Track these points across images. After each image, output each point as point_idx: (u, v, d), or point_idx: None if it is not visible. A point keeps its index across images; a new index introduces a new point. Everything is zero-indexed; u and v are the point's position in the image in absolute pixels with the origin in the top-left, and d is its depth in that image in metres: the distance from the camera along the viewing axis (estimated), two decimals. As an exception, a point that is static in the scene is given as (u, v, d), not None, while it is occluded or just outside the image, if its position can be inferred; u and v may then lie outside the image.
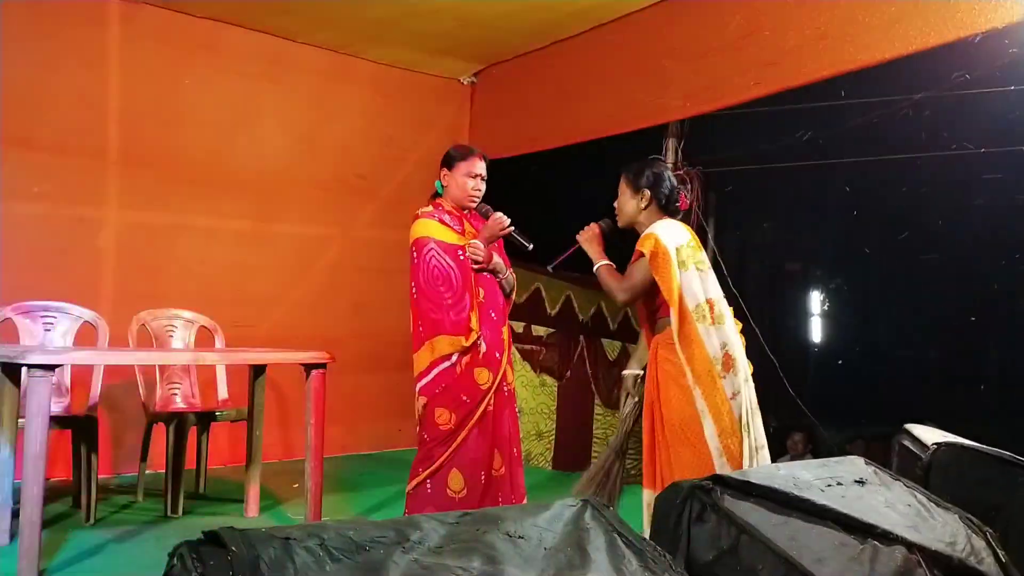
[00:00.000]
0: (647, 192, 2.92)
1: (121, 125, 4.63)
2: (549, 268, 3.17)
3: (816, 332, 9.72)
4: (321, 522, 1.39)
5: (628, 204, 2.97)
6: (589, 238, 3.00)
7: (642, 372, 3.12)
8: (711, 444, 2.72)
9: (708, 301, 2.83)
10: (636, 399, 3.15)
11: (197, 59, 4.89)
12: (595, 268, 2.94)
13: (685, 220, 3.07)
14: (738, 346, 2.88)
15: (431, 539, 1.37)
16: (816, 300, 9.84)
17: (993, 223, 7.01)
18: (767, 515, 1.83)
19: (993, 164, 5.58)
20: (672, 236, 2.82)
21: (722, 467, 2.68)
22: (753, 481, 1.90)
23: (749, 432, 2.78)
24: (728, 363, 2.80)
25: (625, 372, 3.35)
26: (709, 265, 2.96)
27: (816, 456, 5.70)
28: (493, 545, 1.39)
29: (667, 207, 2.95)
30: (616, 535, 1.53)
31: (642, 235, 2.87)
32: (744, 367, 2.86)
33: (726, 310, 2.91)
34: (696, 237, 2.96)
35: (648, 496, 2.87)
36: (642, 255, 2.80)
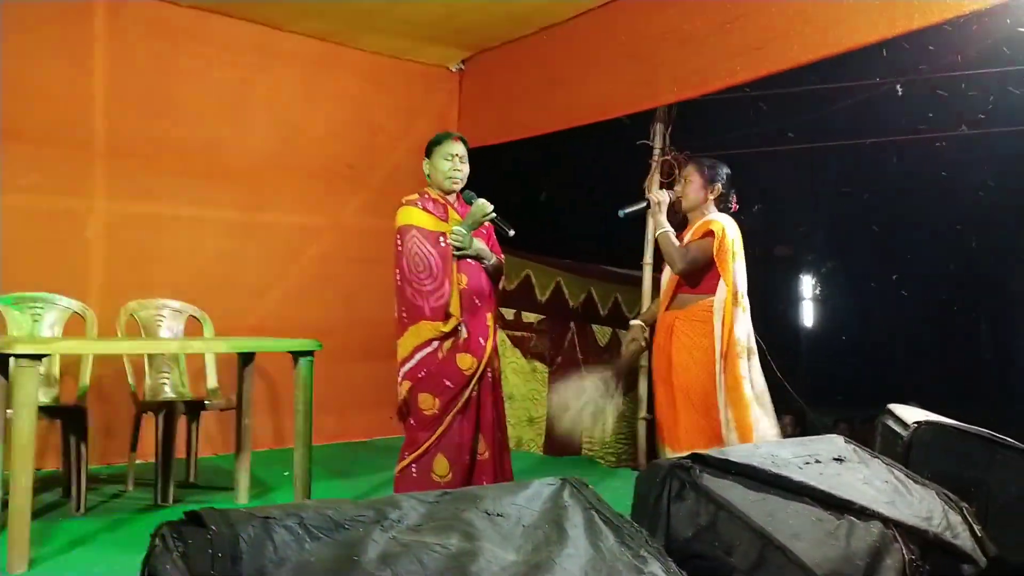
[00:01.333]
0: (718, 187, 3.28)
1: (108, 115, 4.61)
2: (620, 214, 3.30)
3: (804, 316, 9.78)
4: (301, 502, 1.41)
5: (698, 193, 3.28)
6: (660, 202, 3.26)
7: (648, 327, 3.45)
8: (723, 415, 3.02)
9: (743, 291, 3.17)
10: (642, 344, 3.43)
11: (184, 49, 4.87)
12: (658, 232, 3.22)
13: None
14: (752, 335, 3.20)
15: (410, 518, 1.39)
16: (804, 284, 9.90)
17: (980, 206, 7.05)
18: (745, 492, 1.86)
19: (980, 146, 5.61)
20: (734, 229, 3.19)
21: (728, 436, 3.03)
22: (732, 459, 1.93)
23: (752, 409, 3.08)
24: (750, 348, 3.14)
25: (635, 322, 3.53)
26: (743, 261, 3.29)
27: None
28: (471, 523, 1.41)
29: (724, 204, 3.33)
30: (594, 512, 1.55)
31: (709, 219, 3.19)
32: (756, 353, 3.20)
33: (747, 302, 3.23)
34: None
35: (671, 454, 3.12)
36: (710, 235, 3.11)
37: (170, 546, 1.28)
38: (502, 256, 3.32)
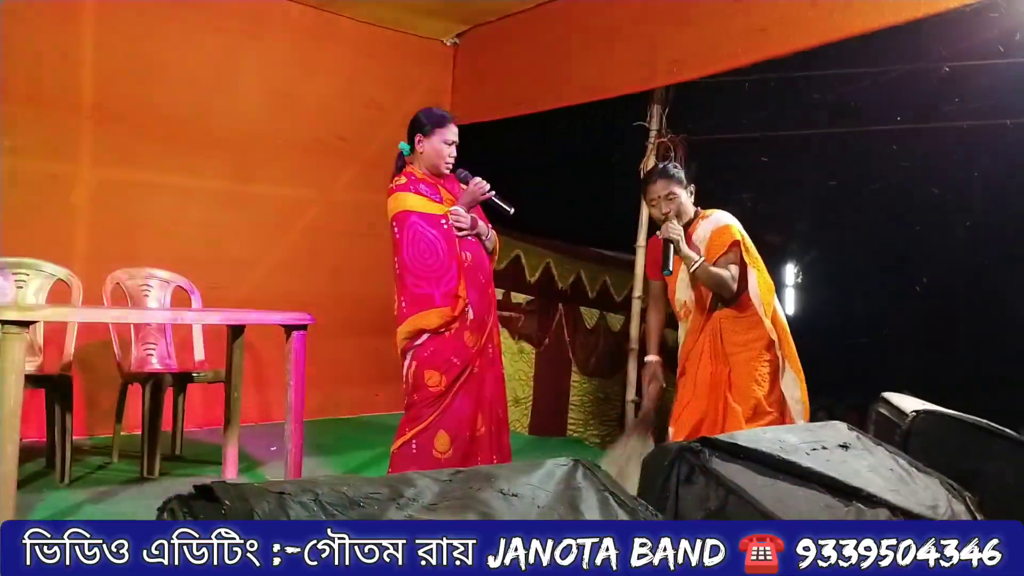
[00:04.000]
0: (693, 185, 3.23)
1: (96, 79, 4.50)
2: (665, 273, 3.10)
3: (795, 303, 9.82)
4: (314, 478, 1.37)
5: (687, 200, 3.19)
6: (679, 239, 3.04)
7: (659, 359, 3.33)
8: (788, 394, 3.02)
9: None
10: (663, 384, 3.30)
11: (175, 12, 4.75)
12: (695, 268, 3.01)
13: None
14: None
15: (425, 496, 1.36)
16: (796, 271, 9.93)
17: (972, 196, 7.09)
18: (754, 477, 1.84)
19: (975, 138, 5.62)
20: (738, 223, 3.14)
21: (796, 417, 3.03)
22: (740, 443, 1.91)
23: None
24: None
25: (651, 358, 3.34)
26: None
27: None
28: (488, 503, 1.38)
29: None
30: (608, 494, 1.53)
31: (722, 225, 3.10)
32: None
33: None
34: None
35: None
36: (736, 244, 3.05)
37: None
38: (493, 229, 3.28)
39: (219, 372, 3.92)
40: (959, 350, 8.43)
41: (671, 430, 3.23)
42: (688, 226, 3.14)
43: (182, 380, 3.94)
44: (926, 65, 4.43)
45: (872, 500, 1.88)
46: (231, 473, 3.80)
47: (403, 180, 3.10)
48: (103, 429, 4.30)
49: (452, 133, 3.13)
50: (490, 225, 3.25)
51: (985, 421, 2.63)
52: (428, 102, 4.60)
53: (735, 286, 3.06)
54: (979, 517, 2.05)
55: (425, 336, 2.99)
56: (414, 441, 2.97)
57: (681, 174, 3.22)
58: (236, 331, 3.81)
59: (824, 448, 2.06)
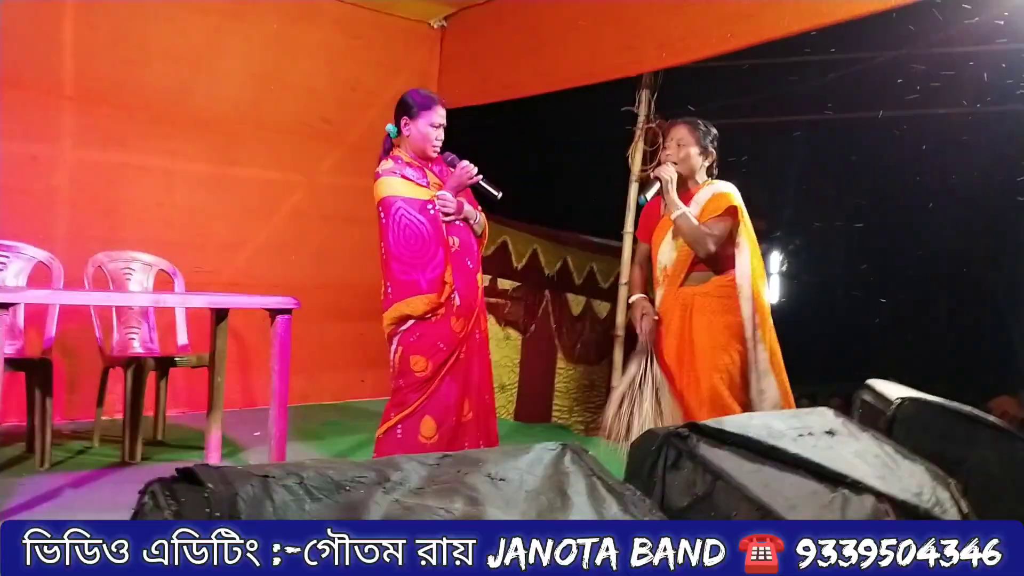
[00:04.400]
0: (713, 154, 3.11)
1: (77, 59, 4.43)
2: (641, 200, 3.16)
3: (778, 290, 9.87)
4: (300, 461, 1.35)
5: (695, 158, 3.07)
6: (671, 179, 2.99)
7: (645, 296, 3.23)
8: (755, 387, 2.93)
9: None
10: (655, 317, 3.13)
11: (156, -8, 4.68)
12: (676, 214, 2.95)
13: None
14: None
15: (412, 480, 1.35)
16: (781, 258, 9.97)
17: (956, 184, 7.13)
18: (741, 462, 1.84)
19: (959, 125, 5.65)
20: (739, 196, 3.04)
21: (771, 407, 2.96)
22: (727, 429, 1.91)
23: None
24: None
25: (635, 298, 3.25)
26: None
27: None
28: (475, 487, 1.37)
29: (712, 168, 3.16)
30: (596, 479, 1.52)
31: (723, 192, 3.00)
32: None
33: None
34: None
35: None
36: (731, 213, 2.95)
37: (161, 504, 1.22)
38: (482, 213, 3.25)
39: (202, 356, 3.88)
40: (939, 336, 8.51)
41: None
42: (690, 188, 3.08)
43: (164, 364, 3.91)
44: (914, 51, 4.45)
45: (858, 487, 1.88)
46: (214, 458, 3.76)
47: (389, 164, 3.06)
48: (84, 413, 4.25)
49: (439, 116, 3.08)
50: (479, 209, 3.22)
51: (969, 408, 2.64)
52: (414, 85, 4.55)
53: (713, 247, 2.95)
54: (963, 504, 2.06)
55: (411, 321, 2.96)
56: (399, 426, 2.95)
57: (705, 135, 3.11)
58: (220, 315, 3.77)
59: (811, 434, 2.06)
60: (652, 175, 3.09)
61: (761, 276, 3.00)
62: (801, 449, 1.94)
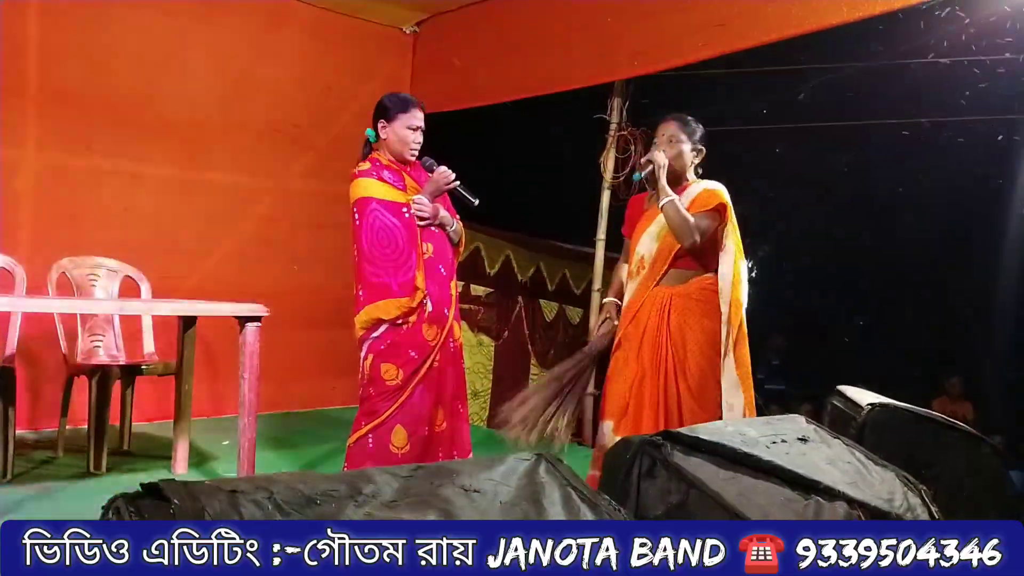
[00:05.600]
0: (703, 152, 3.03)
1: (41, 61, 4.33)
2: (634, 178, 3.13)
3: (750, 296, 9.96)
4: (269, 475, 1.33)
5: (687, 155, 2.99)
6: (662, 165, 2.91)
7: (616, 302, 3.13)
8: (725, 400, 2.80)
9: None
10: (615, 324, 3.07)
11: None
12: (664, 201, 2.86)
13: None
14: None
15: (384, 493, 1.32)
16: (751, 264, 10.07)
17: (930, 193, 7.25)
18: (716, 470, 1.84)
19: (930, 134, 5.74)
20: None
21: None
22: (702, 437, 1.91)
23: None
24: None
25: (608, 300, 3.20)
26: None
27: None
28: (449, 499, 1.35)
29: (701, 168, 3.07)
30: (571, 489, 1.51)
31: (711, 189, 2.93)
32: None
33: None
34: None
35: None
36: (719, 209, 2.87)
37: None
38: (458, 220, 3.22)
39: (169, 364, 3.82)
40: (907, 341, 8.64)
41: (607, 424, 2.94)
42: (681, 185, 2.98)
43: (131, 372, 3.83)
44: (886, 62, 4.51)
45: (831, 493, 1.89)
46: (181, 468, 3.71)
47: (366, 166, 3.03)
48: (48, 422, 4.16)
49: (416, 118, 3.05)
50: (457, 217, 3.19)
51: (938, 414, 2.69)
52: (386, 90, 4.49)
53: (698, 238, 2.85)
54: (933, 509, 2.08)
55: (383, 328, 2.92)
56: (370, 436, 2.91)
57: (696, 132, 3.02)
58: (187, 322, 3.72)
59: (784, 441, 2.07)
60: (643, 160, 2.99)
61: (741, 283, 2.90)
62: (774, 456, 1.95)
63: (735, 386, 2.82)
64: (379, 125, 3.07)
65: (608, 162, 4.79)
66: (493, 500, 1.41)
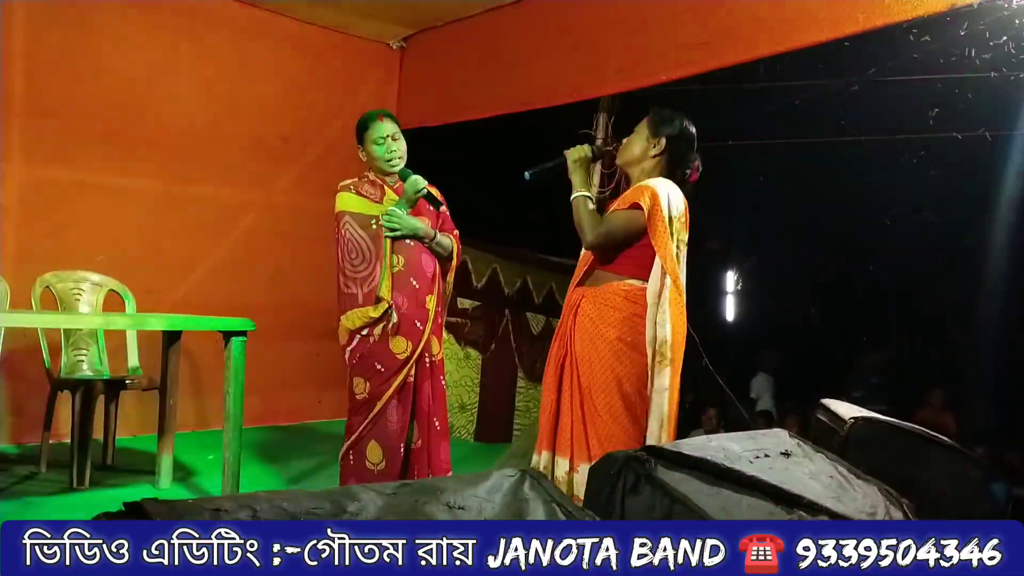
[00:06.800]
0: (663, 141, 2.64)
1: (27, 74, 4.32)
2: (526, 175, 2.77)
3: (729, 310, 10.01)
4: (252, 493, 1.33)
5: (638, 145, 2.68)
6: (579, 159, 2.70)
7: None
8: (652, 428, 2.52)
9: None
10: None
11: (110, 6, 4.59)
12: (573, 196, 2.66)
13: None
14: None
15: (369, 511, 1.33)
16: (733, 279, 10.12)
17: (911, 208, 7.32)
18: (700, 485, 1.85)
19: (914, 149, 5.80)
20: (672, 202, 2.55)
21: None
22: (686, 452, 1.92)
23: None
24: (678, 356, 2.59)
25: None
26: (686, 249, 2.66)
27: (728, 431, 5.86)
28: (433, 516, 1.35)
29: (675, 167, 2.67)
30: (555, 506, 1.52)
31: (639, 184, 2.61)
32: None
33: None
34: (687, 214, 2.65)
35: (545, 459, 2.64)
36: (636, 207, 2.54)
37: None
38: (455, 233, 3.22)
39: (153, 379, 3.80)
40: (892, 355, 8.70)
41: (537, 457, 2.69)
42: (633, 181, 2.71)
43: (115, 387, 3.81)
44: (871, 77, 4.57)
45: (813, 507, 1.90)
46: (165, 483, 3.69)
47: (350, 180, 3.10)
48: (30, 437, 4.12)
49: (378, 130, 3.06)
50: (454, 231, 3.21)
51: (921, 428, 2.70)
52: (373, 105, 4.54)
53: (592, 237, 2.59)
54: (915, 523, 2.10)
55: (356, 341, 2.96)
56: (351, 452, 2.95)
57: (663, 120, 2.67)
58: (172, 337, 3.70)
59: (767, 456, 2.08)
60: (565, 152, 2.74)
61: (664, 301, 2.53)
62: (758, 471, 1.96)
63: (659, 421, 2.53)
64: (359, 150, 3.14)
65: (594, 177, 4.80)
66: (478, 517, 1.41)
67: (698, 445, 2.02)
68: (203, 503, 1.23)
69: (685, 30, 4.05)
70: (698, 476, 1.88)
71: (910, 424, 2.73)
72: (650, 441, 2.50)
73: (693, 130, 2.72)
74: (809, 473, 2.09)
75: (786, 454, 2.15)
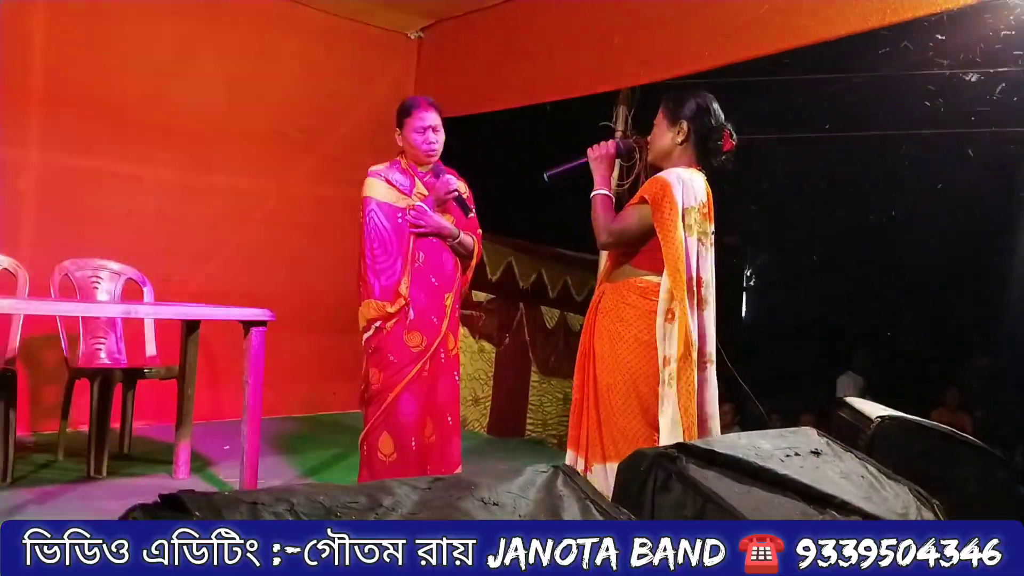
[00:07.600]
0: (685, 125, 2.55)
1: (47, 62, 4.32)
2: (545, 176, 2.72)
3: (749, 305, 9.98)
4: (289, 486, 1.32)
5: (663, 137, 2.59)
6: (600, 157, 2.63)
7: None
8: (664, 436, 2.41)
9: (697, 278, 2.51)
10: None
11: (129, -4, 4.59)
12: (592, 194, 2.60)
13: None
14: (710, 342, 2.56)
15: (404, 505, 1.31)
16: (749, 272, 10.09)
17: (925, 202, 7.26)
18: (731, 484, 1.82)
19: (934, 145, 5.75)
20: (685, 191, 2.47)
21: None
22: (717, 450, 1.89)
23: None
24: (709, 353, 2.56)
25: None
26: (712, 241, 2.59)
27: (743, 428, 5.83)
28: (469, 512, 1.33)
29: (705, 145, 2.58)
30: (589, 503, 1.49)
31: (653, 176, 2.53)
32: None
33: (711, 298, 2.58)
34: (711, 203, 2.60)
35: (570, 456, 2.63)
36: (644, 201, 2.48)
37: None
38: (478, 233, 3.18)
39: (171, 368, 3.79)
40: (906, 351, 8.64)
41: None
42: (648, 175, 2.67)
43: (132, 376, 3.81)
44: (893, 72, 4.52)
45: (845, 507, 1.87)
46: (183, 473, 3.68)
47: (381, 165, 3.05)
48: (48, 425, 4.13)
49: (421, 119, 3.01)
50: (477, 232, 3.17)
51: (949, 428, 2.67)
52: (391, 95, 4.54)
53: (606, 238, 2.55)
54: (947, 524, 2.07)
55: (372, 330, 2.95)
56: (365, 441, 2.95)
57: (679, 105, 2.59)
58: (191, 326, 3.70)
59: (797, 454, 2.05)
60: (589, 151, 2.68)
61: (662, 300, 2.46)
62: (789, 470, 1.93)
63: (673, 424, 2.43)
64: (396, 134, 3.08)
65: (613, 170, 4.78)
66: (513, 513, 1.39)
67: (729, 443, 1.99)
68: (241, 496, 1.22)
69: (707, 22, 4.01)
70: (729, 475, 1.85)
71: (937, 423, 2.70)
72: (663, 442, 2.41)
73: (710, 103, 2.60)
74: (840, 473, 2.07)
75: (816, 453, 2.12)
